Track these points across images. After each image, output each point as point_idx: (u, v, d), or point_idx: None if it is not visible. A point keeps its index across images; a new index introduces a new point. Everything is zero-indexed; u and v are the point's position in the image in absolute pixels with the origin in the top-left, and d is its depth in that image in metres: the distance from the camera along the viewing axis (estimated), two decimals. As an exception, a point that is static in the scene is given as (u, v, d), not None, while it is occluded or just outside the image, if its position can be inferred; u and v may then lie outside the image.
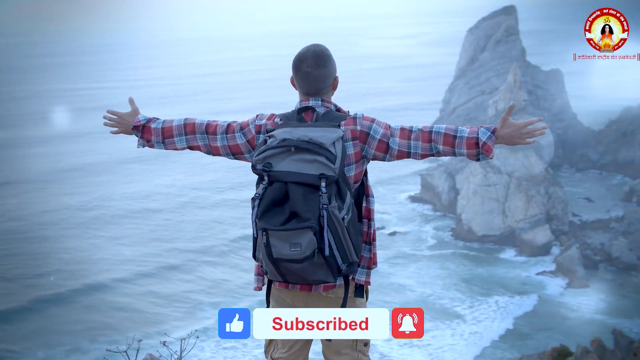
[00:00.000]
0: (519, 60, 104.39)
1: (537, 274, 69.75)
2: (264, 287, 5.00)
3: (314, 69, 4.74)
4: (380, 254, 73.35)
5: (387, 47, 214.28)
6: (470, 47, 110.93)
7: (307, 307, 4.78)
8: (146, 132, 5.08)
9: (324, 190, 4.24)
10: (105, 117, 5.24)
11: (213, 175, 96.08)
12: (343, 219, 4.30)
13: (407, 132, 4.72)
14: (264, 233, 4.23)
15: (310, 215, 4.19)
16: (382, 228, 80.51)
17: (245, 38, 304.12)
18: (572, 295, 65.07)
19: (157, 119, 5.13)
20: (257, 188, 4.38)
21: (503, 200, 79.19)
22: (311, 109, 4.75)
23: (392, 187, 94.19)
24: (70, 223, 78.93)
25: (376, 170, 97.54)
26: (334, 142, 4.40)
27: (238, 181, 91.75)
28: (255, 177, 4.39)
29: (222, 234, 76.98)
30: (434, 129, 4.72)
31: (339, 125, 4.62)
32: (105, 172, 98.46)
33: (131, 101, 5.21)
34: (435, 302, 64.02)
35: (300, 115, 4.74)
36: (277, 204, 4.27)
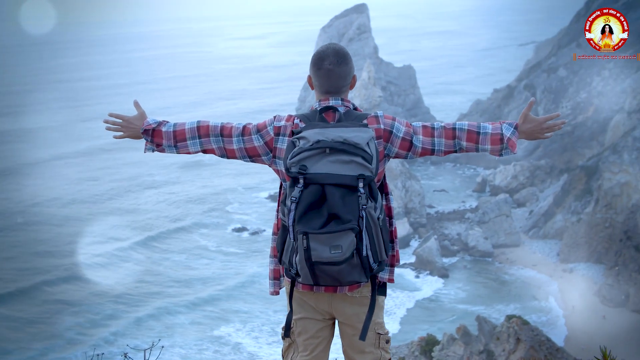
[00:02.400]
0: (372, 58, 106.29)
1: (398, 266, 70.99)
2: (281, 291, 4.96)
3: (336, 66, 4.70)
4: (241, 255, 73.11)
5: (240, 48, 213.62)
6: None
7: (331, 308, 4.77)
8: (157, 136, 4.86)
9: (362, 190, 4.19)
10: (107, 122, 4.96)
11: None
12: (378, 218, 4.30)
13: (429, 130, 4.76)
14: (305, 237, 4.13)
15: (351, 217, 4.13)
16: (244, 230, 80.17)
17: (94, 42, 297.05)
18: (432, 286, 66.59)
19: (167, 122, 4.92)
20: (289, 191, 4.26)
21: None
22: (332, 108, 4.69)
23: (251, 187, 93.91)
24: None
25: (236, 170, 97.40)
26: (367, 142, 4.33)
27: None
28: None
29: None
30: (456, 126, 4.77)
31: (366, 125, 4.57)
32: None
33: (137, 104, 4.98)
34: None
35: (321, 116, 4.67)
36: (313, 206, 4.18)
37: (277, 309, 59.05)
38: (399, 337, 56.25)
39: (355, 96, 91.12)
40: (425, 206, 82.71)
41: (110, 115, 4.96)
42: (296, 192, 4.19)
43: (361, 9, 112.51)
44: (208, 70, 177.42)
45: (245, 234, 79.28)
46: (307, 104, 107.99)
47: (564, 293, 61.02)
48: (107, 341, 52.81)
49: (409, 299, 64.31)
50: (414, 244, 75.54)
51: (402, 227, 77.16)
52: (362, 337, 4.57)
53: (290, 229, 4.22)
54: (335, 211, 4.12)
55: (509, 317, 36.21)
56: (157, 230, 77.87)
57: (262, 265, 69.80)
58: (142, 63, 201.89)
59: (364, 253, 4.19)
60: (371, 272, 4.31)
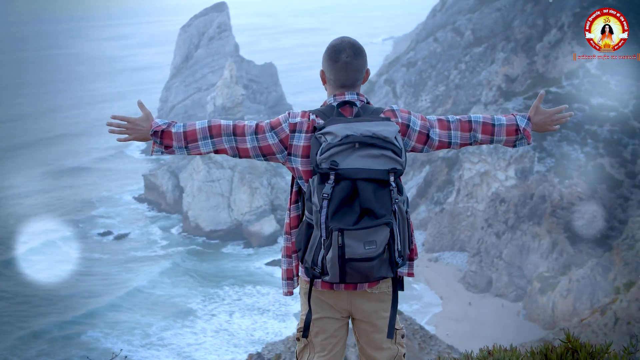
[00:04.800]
0: (234, 56, 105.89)
1: (267, 263, 71.12)
2: (295, 291, 4.77)
3: (353, 59, 4.54)
4: (110, 259, 71.58)
5: (99, 50, 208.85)
6: (184, 45, 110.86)
7: (351, 306, 4.62)
8: (166, 137, 4.59)
9: (393, 184, 4.09)
10: (111, 124, 4.65)
11: None
12: (406, 212, 4.22)
13: (445, 123, 4.70)
14: (340, 233, 3.99)
15: (385, 211, 4.03)
16: (109, 233, 78.60)
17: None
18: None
19: (176, 122, 4.65)
20: (318, 188, 4.11)
21: (228, 195, 79.93)
22: (349, 103, 4.54)
23: (115, 189, 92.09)
24: None
25: (99, 175, 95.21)
26: (395, 136, 4.22)
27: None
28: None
29: None
30: (472, 119, 4.73)
31: (389, 118, 4.42)
32: None
33: (141, 105, 4.74)
34: (167, 301, 63.51)
35: (338, 111, 4.49)
36: (345, 202, 4.06)
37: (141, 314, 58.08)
38: (273, 335, 56.54)
39: (218, 95, 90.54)
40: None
41: (114, 117, 4.67)
42: (327, 188, 4.06)
43: (221, 7, 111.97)
44: (68, 74, 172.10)
45: (110, 238, 77.69)
46: (168, 104, 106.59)
47: (432, 282, 62.35)
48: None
49: (281, 296, 64.32)
50: (282, 241, 75.47)
51: (269, 225, 77.27)
52: (390, 334, 4.51)
53: (323, 226, 4.07)
54: (369, 206, 4.02)
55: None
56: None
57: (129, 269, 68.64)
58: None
59: (394, 247, 4.11)
60: (397, 266, 4.20)
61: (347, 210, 4.04)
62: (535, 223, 58.52)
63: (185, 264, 71.56)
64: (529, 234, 58.49)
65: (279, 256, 71.60)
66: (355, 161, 4.08)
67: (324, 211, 4.04)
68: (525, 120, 4.75)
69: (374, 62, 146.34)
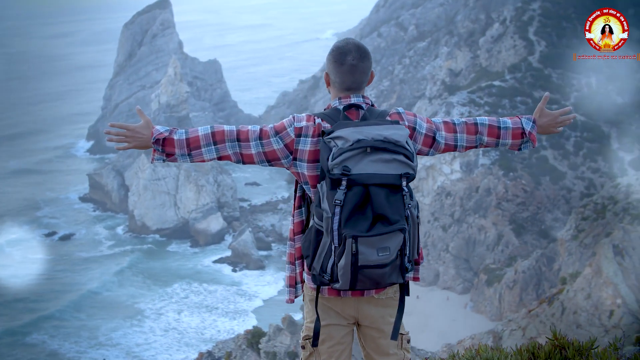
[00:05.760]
0: (177, 53, 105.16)
1: (214, 261, 70.84)
2: (296, 299, 4.67)
3: (359, 62, 4.43)
4: (55, 260, 70.67)
5: (42, 48, 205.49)
6: (127, 42, 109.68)
7: (358, 312, 4.54)
8: (168, 144, 4.45)
9: (406, 189, 4.01)
10: (109, 132, 4.48)
11: None
12: (417, 217, 4.13)
13: (451, 126, 4.64)
14: (354, 240, 3.90)
15: (399, 217, 3.95)
16: (54, 234, 77.57)
17: None
18: (252, 279, 66.79)
19: (177, 129, 4.49)
20: (329, 194, 4.01)
21: (174, 193, 79.40)
22: (355, 106, 4.45)
23: (60, 189, 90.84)
24: None
25: (44, 176, 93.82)
26: (406, 140, 4.12)
27: None
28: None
29: None
30: (478, 121, 4.67)
31: (397, 122, 4.32)
32: None
33: (140, 112, 4.51)
34: (115, 301, 62.93)
35: (344, 114, 4.39)
36: (357, 208, 3.97)
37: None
38: (223, 331, 56.40)
39: (162, 92, 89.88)
40: (237, 200, 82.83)
41: (112, 125, 4.48)
42: (340, 194, 3.96)
43: (164, 4, 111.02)
44: (9, 73, 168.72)
45: (55, 238, 76.69)
46: (112, 102, 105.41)
47: (379, 276, 62.52)
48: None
49: (230, 293, 64.36)
50: (229, 238, 75.47)
51: (216, 222, 76.94)
52: (394, 336, 4.43)
53: (335, 233, 3.98)
54: (382, 212, 3.95)
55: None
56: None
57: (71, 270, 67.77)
58: None
59: (405, 253, 4.06)
60: (406, 272, 4.15)
61: (359, 216, 3.97)
62: (481, 216, 59.11)
63: (131, 263, 70.90)
64: (475, 227, 59.04)
65: (226, 253, 71.36)
66: (367, 166, 4.00)
67: (336, 218, 3.97)
68: (531, 123, 4.73)
69: (318, 58, 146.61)
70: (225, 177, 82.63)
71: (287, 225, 73.73)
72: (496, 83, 68.20)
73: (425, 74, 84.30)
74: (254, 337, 36.38)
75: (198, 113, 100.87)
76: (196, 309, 61.76)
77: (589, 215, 46.51)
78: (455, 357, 5.70)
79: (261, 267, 68.55)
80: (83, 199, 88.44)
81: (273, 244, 73.48)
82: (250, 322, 55.63)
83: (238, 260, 69.66)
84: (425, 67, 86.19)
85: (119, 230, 79.70)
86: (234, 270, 68.68)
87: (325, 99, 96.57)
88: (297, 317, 39.56)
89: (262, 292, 64.12)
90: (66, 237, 76.97)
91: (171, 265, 70.76)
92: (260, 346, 35.53)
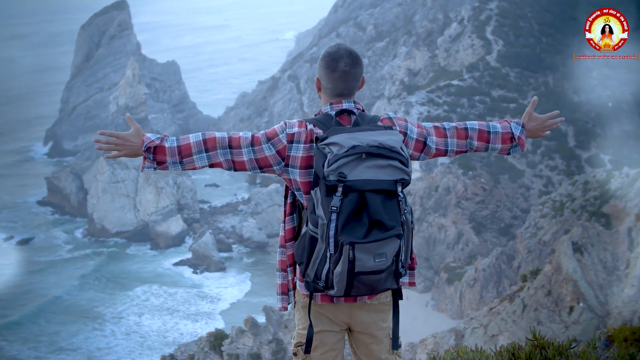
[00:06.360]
0: (135, 55, 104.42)
1: (175, 264, 70.46)
2: (289, 306, 4.68)
3: (352, 68, 4.42)
4: (13, 264, 69.88)
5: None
6: (85, 44, 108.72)
7: (350, 318, 4.53)
8: (159, 152, 4.38)
9: (401, 195, 4.02)
10: (99, 141, 4.40)
11: None
12: (412, 222, 4.14)
13: (442, 131, 4.65)
14: (351, 247, 3.90)
15: (395, 223, 3.97)
16: (11, 238, 76.66)
17: None
18: (213, 281, 66.56)
19: (167, 136, 4.43)
20: (325, 200, 3.98)
21: (133, 195, 78.86)
22: (347, 111, 4.44)
23: (17, 193, 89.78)
24: None
25: (1, 177, 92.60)
26: (401, 146, 4.13)
27: None
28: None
29: None
30: (468, 126, 4.69)
31: (390, 127, 4.33)
32: None
33: (130, 119, 4.46)
34: (74, 305, 62.36)
35: (336, 120, 4.38)
36: (354, 215, 3.96)
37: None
38: (186, 334, 56.13)
39: (121, 94, 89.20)
40: (197, 201, 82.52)
41: (102, 133, 4.43)
42: (336, 201, 3.95)
43: (121, 5, 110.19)
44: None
45: (12, 243, 75.82)
46: (70, 105, 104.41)
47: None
48: None
49: (191, 296, 64.10)
50: (189, 240, 75.17)
51: (176, 224, 76.56)
52: (395, 346, 4.52)
53: (332, 240, 3.98)
54: (378, 218, 3.95)
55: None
56: None
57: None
58: None
59: (400, 258, 4.08)
60: (400, 277, 4.17)
61: (356, 223, 3.97)
62: (441, 215, 59.44)
63: (91, 267, 70.30)
64: (435, 226, 59.35)
65: (186, 256, 71.03)
66: (363, 172, 3.99)
67: (332, 224, 3.96)
68: (520, 127, 4.77)
69: (277, 58, 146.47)
70: (185, 179, 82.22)
71: (248, 226, 73.57)
72: (454, 82, 68.62)
73: (384, 74, 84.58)
74: (216, 340, 36.36)
75: (157, 115, 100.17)
76: (157, 312, 61.39)
77: (547, 213, 47.01)
78: (436, 358, 5.74)
79: (222, 269, 68.31)
80: (41, 203, 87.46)
81: (234, 246, 73.26)
82: (213, 325, 55.44)
83: (199, 263, 69.36)
84: (383, 67, 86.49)
85: (78, 233, 78.95)
86: (195, 273, 68.39)
87: (285, 100, 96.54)
88: (260, 319, 39.51)
89: (225, 294, 63.90)
90: (24, 242, 76.05)
91: (131, 268, 70.23)
92: (223, 348, 35.50)
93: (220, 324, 54.83)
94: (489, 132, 4.71)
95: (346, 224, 3.93)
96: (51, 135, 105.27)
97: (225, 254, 71.24)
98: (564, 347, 5.00)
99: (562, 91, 67.43)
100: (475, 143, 4.70)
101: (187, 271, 68.80)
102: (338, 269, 3.95)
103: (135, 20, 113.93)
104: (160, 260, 71.84)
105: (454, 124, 4.73)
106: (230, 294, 63.94)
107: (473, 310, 46.00)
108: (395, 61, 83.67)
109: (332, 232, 3.95)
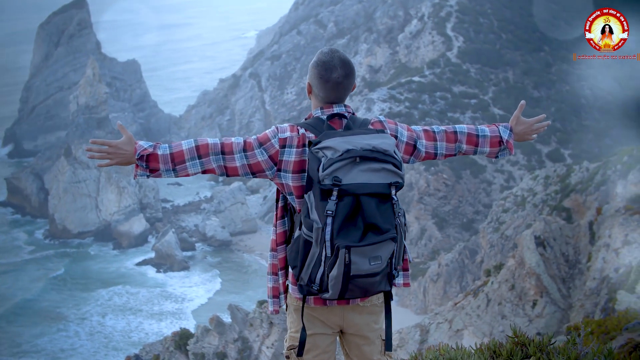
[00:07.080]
0: (95, 53, 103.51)
1: (138, 263, 70.08)
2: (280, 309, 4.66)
3: (344, 79, 4.40)
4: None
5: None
6: (44, 43, 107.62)
7: (343, 320, 4.54)
8: (152, 160, 4.34)
9: (395, 198, 4.03)
10: (90, 150, 4.34)
11: None
12: (405, 224, 4.15)
13: (431, 134, 4.67)
14: (347, 251, 3.92)
15: (389, 226, 3.98)
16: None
17: None
18: (177, 280, 66.29)
19: (160, 144, 4.39)
20: (320, 204, 3.98)
21: (95, 195, 78.28)
22: (338, 115, 4.42)
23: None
24: None
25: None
26: (394, 149, 4.13)
27: None
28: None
29: None
30: (457, 129, 4.72)
31: (383, 130, 4.35)
32: None
33: (122, 127, 4.37)
34: (36, 307, 61.78)
35: (328, 124, 4.37)
36: (349, 218, 3.98)
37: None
38: (152, 333, 55.85)
39: (81, 94, 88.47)
40: (160, 200, 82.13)
41: (93, 142, 4.35)
42: (331, 205, 3.96)
43: (80, 4, 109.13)
44: None
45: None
46: (29, 105, 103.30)
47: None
48: None
49: (155, 295, 63.85)
50: (152, 239, 74.81)
51: (139, 224, 76.15)
52: (389, 347, 4.51)
53: (328, 244, 3.98)
54: (373, 221, 3.97)
55: (261, 303, 36.73)
56: None
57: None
58: None
59: (394, 261, 4.11)
60: (393, 279, 4.20)
61: (351, 226, 3.98)
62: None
63: (53, 268, 69.70)
64: (399, 222, 59.58)
65: (149, 255, 70.67)
66: (358, 176, 4.01)
67: (328, 228, 3.97)
68: (508, 131, 4.80)
69: (238, 56, 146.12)
70: (147, 178, 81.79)
71: (211, 225, 73.35)
72: (416, 79, 68.97)
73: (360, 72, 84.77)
74: (181, 339, 36.27)
75: (118, 114, 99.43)
76: (121, 312, 61.03)
77: (509, 208, 47.43)
78: (419, 358, 5.77)
79: (186, 268, 68.10)
80: (1, 204, 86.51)
81: (197, 244, 73.05)
82: (179, 324, 55.24)
83: (162, 262, 69.06)
84: (357, 57, 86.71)
85: (39, 234, 78.21)
86: (159, 272, 68.11)
87: (246, 98, 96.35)
88: (226, 318, 39.44)
89: (191, 294, 63.71)
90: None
91: (94, 268, 69.74)
92: (188, 348, 35.42)
93: (191, 324, 54.69)
94: (477, 136, 4.74)
95: (342, 228, 3.96)
96: (11, 136, 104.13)
97: (188, 253, 71.01)
98: (544, 344, 5.06)
99: (523, 87, 68.05)
100: (464, 146, 4.74)
101: (150, 271, 68.48)
102: (334, 272, 3.98)
103: (95, 19, 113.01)
104: (123, 260, 71.41)
105: (443, 128, 4.77)
106: (195, 293, 63.75)
107: (437, 305, 46.25)
108: (356, 58, 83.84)
109: (327, 236, 3.97)
